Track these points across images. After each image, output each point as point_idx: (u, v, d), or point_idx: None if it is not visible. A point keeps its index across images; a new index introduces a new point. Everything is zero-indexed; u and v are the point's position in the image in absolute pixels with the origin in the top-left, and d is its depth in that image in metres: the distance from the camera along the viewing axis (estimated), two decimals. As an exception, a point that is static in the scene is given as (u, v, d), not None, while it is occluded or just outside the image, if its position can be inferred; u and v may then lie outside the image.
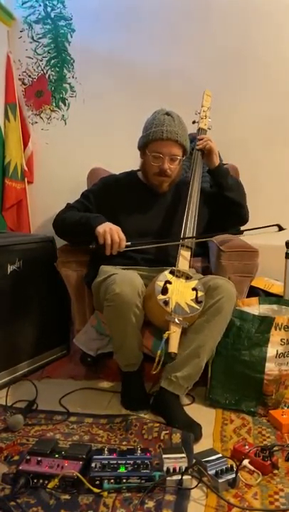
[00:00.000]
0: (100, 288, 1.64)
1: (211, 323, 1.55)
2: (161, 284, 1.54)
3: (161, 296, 1.51)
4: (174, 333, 1.46)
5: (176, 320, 1.48)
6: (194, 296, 1.55)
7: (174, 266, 1.64)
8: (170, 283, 1.55)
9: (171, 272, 1.59)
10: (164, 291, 1.52)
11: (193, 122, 1.95)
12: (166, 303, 1.50)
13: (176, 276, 1.59)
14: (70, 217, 1.75)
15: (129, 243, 1.63)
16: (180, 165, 1.78)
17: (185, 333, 1.57)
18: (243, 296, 1.85)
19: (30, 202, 2.72)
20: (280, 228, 1.69)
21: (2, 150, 2.57)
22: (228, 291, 1.57)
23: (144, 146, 1.76)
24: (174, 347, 1.44)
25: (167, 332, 1.46)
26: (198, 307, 1.53)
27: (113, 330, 1.59)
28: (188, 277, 1.60)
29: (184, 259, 1.66)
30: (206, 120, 1.94)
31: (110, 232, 1.60)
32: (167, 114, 1.74)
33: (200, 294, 1.56)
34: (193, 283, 1.58)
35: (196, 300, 1.55)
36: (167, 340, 1.44)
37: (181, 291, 1.55)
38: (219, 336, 1.61)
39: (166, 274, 1.58)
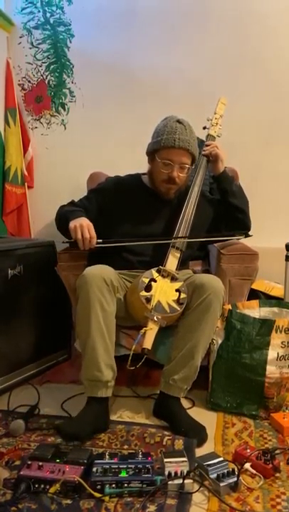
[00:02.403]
0: None
1: (202, 322, 1.56)
2: (146, 280, 1.56)
3: (144, 293, 1.54)
4: (151, 330, 1.50)
5: (155, 318, 1.51)
6: (177, 297, 1.57)
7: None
8: (155, 281, 1.58)
9: (158, 271, 1.61)
10: (148, 288, 1.55)
11: (204, 128, 1.94)
12: (147, 300, 1.53)
13: (162, 275, 1.61)
14: (60, 213, 1.79)
15: (100, 240, 1.65)
16: (188, 173, 1.78)
17: (177, 334, 1.59)
18: (243, 299, 1.85)
19: (31, 206, 2.72)
20: (246, 235, 1.75)
21: (2, 155, 2.57)
22: (215, 287, 1.58)
23: (154, 151, 1.74)
24: (148, 343, 1.47)
25: (144, 328, 1.50)
26: (178, 308, 1.56)
27: (79, 325, 1.55)
28: (173, 278, 1.62)
29: (173, 260, 1.67)
30: (217, 127, 1.93)
31: (81, 228, 1.61)
32: (178, 121, 1.72)
33: (182, 295, 1.58)
34: (178, 284, 1.60)
35: (178, 301, 1.57)
36: (143, 336, 1.48)
37: (164, 291, 1.57)
38: (211, 333, 1.62)
39: (153, 272, 1.60)
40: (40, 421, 1.58)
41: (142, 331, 1.49)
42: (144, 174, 1.89)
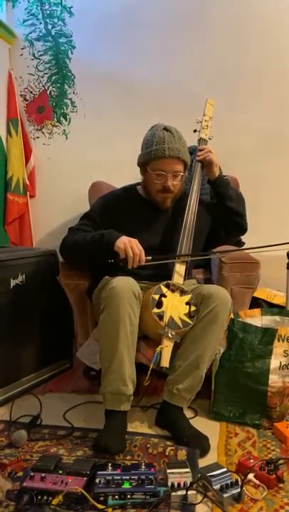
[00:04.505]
0: (98, 295, 1.64)
1: (208, 333, 1.55)
2: (157, 297, 1.56)
3: (156, 310, 1.53)
4: (167, 348, 1.49)
5: (170, 334, 1.51)
6: (187, 311, 1.57)
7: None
8: (165, 296, 1.57)
9: (167, 286, 1.60)
10: (159, 304, 1.55)
11: (195, 131, 1.94)
12: (160, 317, 1.52)
13: (172, 290, 1.60)
14: (82, 239, 1.69)
15: (150, 257, 1.61)
16: (182, 180, 1.78)
17: (183, 344, 1.59)
18: (245, 307, 1.85)
19: (33, 216, 2.74)
20: None
21: (4, 165, 2.59)
22: (222, 298, 1.58)
23: (145, 163, 1.74)
24: (165, 361, 1.48)
25: (160, 346, 1.49)
26: (190, 322, 1.56)
27: (104, 337, 1.50)
28: (183, 291, 1.62)
29: (179, 273, 1.67)
30: (207, 130, 1.93)
31: (130, 244, 1.58)
32: (166, 129, 1.72)
33: (193, 308, 1.58)
34: (187, 297, 1.60)
35: (189, 315, 1.57)
36: (160, 354, 1.47)
37: (175, 306, 1.57)
38: (217, 344, 1.62)
39: (162, 287, 1.59)
40: (42, 431, 1.58)
41: (158, 349, 1.49)
42: (138, 184, 1.88)
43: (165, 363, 1.47)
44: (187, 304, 1.59)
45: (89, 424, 1.63)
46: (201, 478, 1.24)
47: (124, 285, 1.50)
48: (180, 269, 1.68)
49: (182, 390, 1.55)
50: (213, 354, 1.61)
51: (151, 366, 1.46)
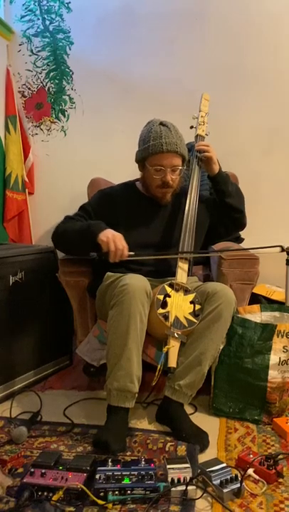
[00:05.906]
0: (106, 291, 1.64)
1: (212, 330, 1.56)
2: (161, 297, 1.56)
3: (161, 310, 1.53)
4: (173, 348, 1.50)
5: (176, 334, 1.51)
6: (192, 310, 1.57)
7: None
8: (169, 296, 1.57)
9: (171, 285, 1.60)
10: (164, 304, 1.55)
11: (191, 127, 1.93)
12: (165, 317, 1.53)
13: (176, 289, 1.60)
14: (71, 228, 1.71)
15: (132, 253, 1.62)
16: (181, 174, 1.78)
17: (186, 340, 1.58)
18: (244, 303, 1.85)
19: (32, 213, 2.74)
20: (283, 249, 1.68)
21: (3, 162, 2.59)
22: (227, 296, 1.58)
23: (143, 159, 1.74)
24: (173, 361, 1.48)
25: (166, 347, 1.50)
26: (195, 321, 1.56)
27: (114, 333, 1.48)
28: (186, 290, 1.62)
29: (183, 272, 1.67)
30: (204, 126, 1.92)
31: (113, 238, 1.58)
32: (162, 124, 1.72)
33: (197, 307, 1.58)
34: (191, 296, 1.60)
35: (194, 313, 1.57)
36: (166, 355, 1.48)
37: (179, 305, 1.57)
38: (220, 342, 1.62)
39: (166, 287, 1.59)
40: (42, 428, 1.58)
41: (165, 349, 1.49)
42: (137, 180, 1.88)
43: (173, 363, 1.48)
44: (192, 302, 1.59)
45: (89, 420, 1.64)
46: (200, 473, 1.24)
47: (138, 283, 1.50)
48: (183, 267, 1.67)
49: (184, 386, 1.55)
50: (216, 352, 1.61)
51: (159, 367, 1.46)
